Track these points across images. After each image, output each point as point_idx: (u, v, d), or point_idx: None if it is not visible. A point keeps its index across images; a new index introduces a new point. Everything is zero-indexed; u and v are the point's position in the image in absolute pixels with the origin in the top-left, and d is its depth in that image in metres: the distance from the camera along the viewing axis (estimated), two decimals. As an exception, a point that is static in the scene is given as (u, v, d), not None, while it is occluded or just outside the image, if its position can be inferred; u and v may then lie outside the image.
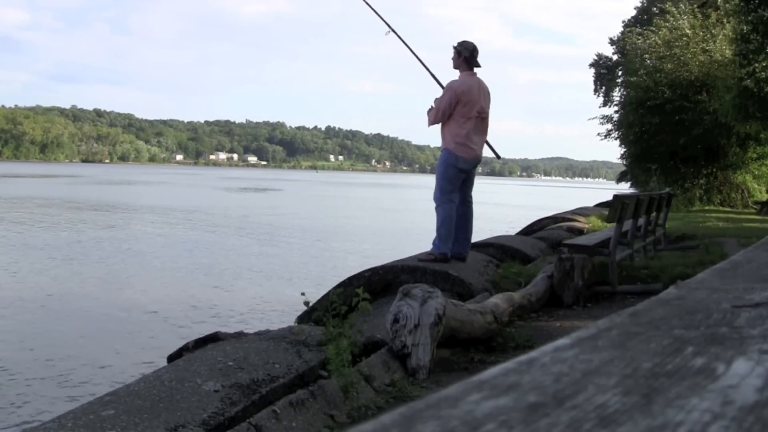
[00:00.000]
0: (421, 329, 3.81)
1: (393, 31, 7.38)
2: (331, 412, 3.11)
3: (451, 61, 6.49)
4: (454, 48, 6.48)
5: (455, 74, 6.50)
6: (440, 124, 6.44)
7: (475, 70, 6.49)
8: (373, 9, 7.51)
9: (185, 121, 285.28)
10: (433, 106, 6.53)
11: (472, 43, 6.49)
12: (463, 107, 6.30)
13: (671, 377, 0.54)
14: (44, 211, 23.96)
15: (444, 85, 6.78)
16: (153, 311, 8.27)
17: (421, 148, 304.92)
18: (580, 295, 5.83)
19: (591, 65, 34.48)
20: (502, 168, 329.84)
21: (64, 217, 21.68)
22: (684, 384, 0.52)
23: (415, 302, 3.83)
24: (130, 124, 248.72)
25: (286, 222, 22.99)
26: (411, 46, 7.48)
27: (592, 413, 0.44)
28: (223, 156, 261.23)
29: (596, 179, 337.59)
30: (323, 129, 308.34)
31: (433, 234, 6.48)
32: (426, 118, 6.53)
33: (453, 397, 0.46)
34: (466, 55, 6.41)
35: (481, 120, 6.44)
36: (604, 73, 33.32)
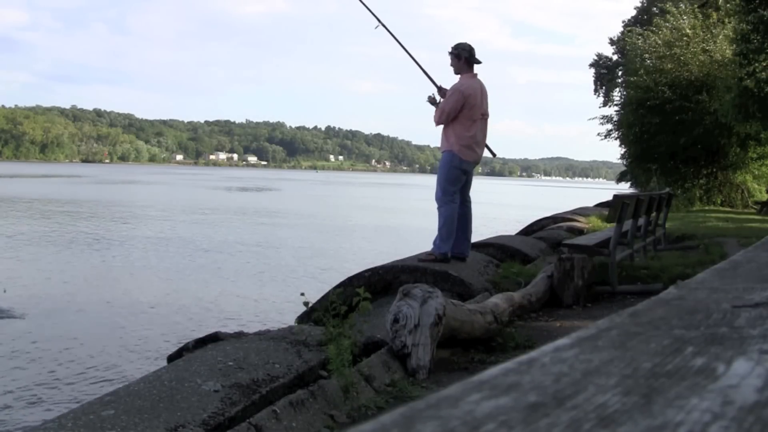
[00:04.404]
0: (421, 329, 3.81)
1: (382, 24, 7.35)
2: (331, 412, 3.11)
3: (451, 67, 6.49)
4: (451, 53, 6.47)
5: (456, 78, 6.49)
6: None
7: (477, 67, 6.51)
8: (364, 3, 7.47)
9: (185, 121, 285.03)
10: (433, 97, 6.57)
11: (467, 44, 6.50)
12: (469, 110, 6.32)
13: (671, 377, 0.54)
14: (44, 210, 23.96)
15: (432, 78, 6.82)
16: (153, 311, 8.27)
17: (421, 148, 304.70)
18: (580, 295, 5.83)
19: (591, 65, 34.52)
20: (502, 168, 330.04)
21: (63, 216, 21.67)
22: (684, 384, 0.52)
23: (415, 302, 3.83)
24: (130, 124, 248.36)
25: (286, 222, 22.99)
26: (401, 41, 7.44)
27: (592, 413, 0.44)
28: (223, 156, 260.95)
29: (596, 179, 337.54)
30: (323, 129, 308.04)
31: (433, 234, 6.49)
32: (432, 114, 6.55)
33: (453, 397, 0.46)
34: (466, 56, 6.42)
35: (483, 121, 6.47)
36: (604, 73, 33.33)
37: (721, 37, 19.50)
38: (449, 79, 6.58)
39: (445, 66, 6.55)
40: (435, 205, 6.49)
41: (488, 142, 6.76)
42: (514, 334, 4.62)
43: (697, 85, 19.58)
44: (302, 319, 5.46)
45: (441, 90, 6.69)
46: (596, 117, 27.77)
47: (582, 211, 16.48)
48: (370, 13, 7.37)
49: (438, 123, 6.47)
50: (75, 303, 8.59)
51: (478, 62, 6.49)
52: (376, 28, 7.34)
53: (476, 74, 6.50)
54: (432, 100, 6.65)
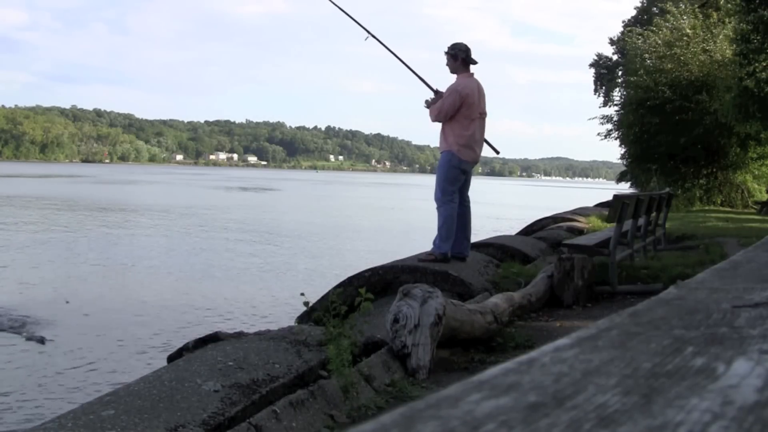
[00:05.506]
0: (421, 329, 3.81)
1: (372, 36, 7.31)
2: (331, 412, 3.11)
3: (447, 67, 6.49)
4: (447, 53, 6.48)
5: (453, 78, 6.49)
6: (440, 125, 6.47)
7: (474, 67, 6.51)
8: (350, 16, 7.43)
9: (185, 121, 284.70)
10: (429, 101, 6.57)
11: (464, 44, 6.51)
12: (467, 109, 6.33)
13: (671, 377, 0.54)
14: (43, 210, 23.96)
15: (428, 83, 6.83)
16: (153, 311, 8.27)
17: (421, 148, 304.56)
18: (580, 295, 5.83)
19: (591, 65, 34.53)
20: (503, 168, 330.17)
21: (63, 216, 21.67)
22: (684, 384, 0.52)
23: (415, 302, 3.83)
24: (130, 124, 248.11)
25: (286, 222, 22.99)
26: (393, 49, 7.40)
27: (592, 413, 0.44)
28: (223, 156, 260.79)
29: (596, 179, 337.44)
30: (323, 129, 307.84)
31: (433, 234, 6.49)
32: (428, 111, 6.54)
33: (453, 397, 0.46)
34: (462, 57, 6.43)
35: (481, 120, 6.48)
36: (604, 73, 33.36)
37: (721, 37, 19.51)
38: (447, 79, 6.59)
39: (443, 66, 6.55)
40: (434, 205, 6.50)
41: (487, 139, 6.76)
42: (514, 334, 4.62)
43: (697, 85, 19.58)
44: (302, 319, 5.46)
45: (438, 93, 6.67)
46: (596, 117, 27.81)
47: (582, 211, 16.47)
48: (359, 26, 7.34)
49: (435, 120, 6.48)
50: (74, 303, 8.58)
51: (475, 62, 6.50)
52: (366, 39, 7.30)
53: (473, 74, 6.51)
54: (433, 101, 6.64)
